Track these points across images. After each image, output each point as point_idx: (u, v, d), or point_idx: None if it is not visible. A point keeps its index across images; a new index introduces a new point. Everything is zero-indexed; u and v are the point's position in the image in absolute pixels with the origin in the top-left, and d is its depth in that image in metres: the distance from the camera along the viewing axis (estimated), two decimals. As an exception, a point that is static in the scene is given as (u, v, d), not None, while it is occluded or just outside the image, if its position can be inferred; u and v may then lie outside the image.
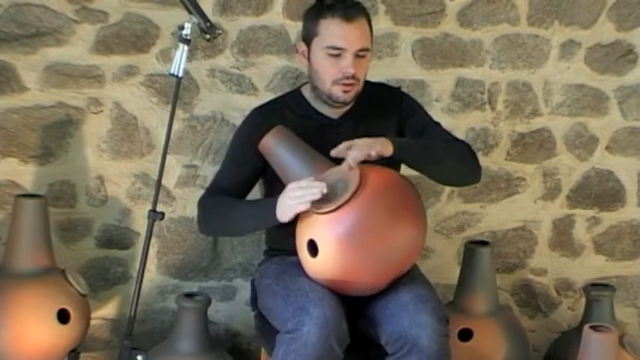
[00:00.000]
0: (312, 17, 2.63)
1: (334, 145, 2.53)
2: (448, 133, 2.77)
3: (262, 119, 2.68)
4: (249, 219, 2.62)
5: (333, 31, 2.57)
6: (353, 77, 2.59)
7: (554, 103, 3.38)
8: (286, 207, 2.45)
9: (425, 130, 2.73)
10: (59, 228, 3.15)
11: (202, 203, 2.71)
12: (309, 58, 2.65)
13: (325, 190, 2.40)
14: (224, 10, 3.13)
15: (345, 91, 2.62)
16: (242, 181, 2.71)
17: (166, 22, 3.09)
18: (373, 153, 2.46)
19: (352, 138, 2.57)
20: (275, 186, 2.63)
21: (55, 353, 2.94)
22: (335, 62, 2.59)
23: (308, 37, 2.64)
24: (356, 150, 2.46)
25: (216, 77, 3.18)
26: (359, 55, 2.59)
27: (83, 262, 3.20)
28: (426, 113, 2.81)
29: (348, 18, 2.57)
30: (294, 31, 3.15)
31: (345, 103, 2.66)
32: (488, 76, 3.33)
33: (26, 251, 2.94)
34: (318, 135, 2.63)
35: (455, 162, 2.66)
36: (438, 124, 2.79)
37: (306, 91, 2.75)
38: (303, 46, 2.66)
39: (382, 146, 2.48)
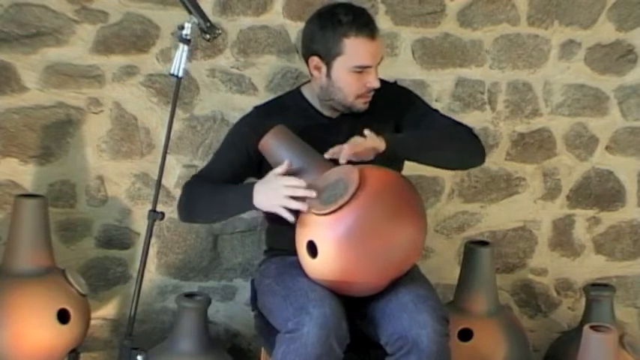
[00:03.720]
0: (330, 34, 2.57)
1: (335, 145, 2.55)
2: (448, 118, 2.77)
3: (260, 119, 2.68)
4: (225, 202, 2.62)
5: (362, 50, 2.57)
6: (374, 89, 2.63)
7: (554, 103, 3.38)
8: (270, 202, 2.46)
9: (423, 119, 2.73)
10: (59, 228, 3.15)
11: (185, 187, 2.72)
12: (328, 75, 2.62)
13: (314, 194, 2.41)
14: (224, 10, 3.13)
15: (366, 102, 2.65)
16: (230, 176, 2.70)
17: (166, 22, 3.09)
18: (369, 144, 2.46)
19: (352, 137, 2.58)
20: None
21: (55, 353, 2.94)
22: (359, 78, 2.60)
23: (327, 55, 2.59)
24: (348, 146, 2.47)
25: (216, 77, 3.18)
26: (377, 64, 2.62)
27: (83, 262, 3.20)
28: (423, 102, 2.82)
29: (372, 35, 2.58)
30: (294, 31, 3.15)
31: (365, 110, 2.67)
32: (489, 76, 3.33)
33: (26, 251, 2.94)
34: (318, 134, 2.63)
35: (455, 147, 2.67)
36: (436, 110, 2.80)
37: (306, 91, 2.75)
38: (317, 62, 2.62)
39: (375, 142, 2.49)
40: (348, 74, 2.59)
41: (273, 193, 2.46)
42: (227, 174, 2.70)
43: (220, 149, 2.78)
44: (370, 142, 2.49)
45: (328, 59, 2.60)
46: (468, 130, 2.73)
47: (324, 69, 2.62)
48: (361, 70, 2.59)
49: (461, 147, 2.68)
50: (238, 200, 2.57)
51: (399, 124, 2.73)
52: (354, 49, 2.57)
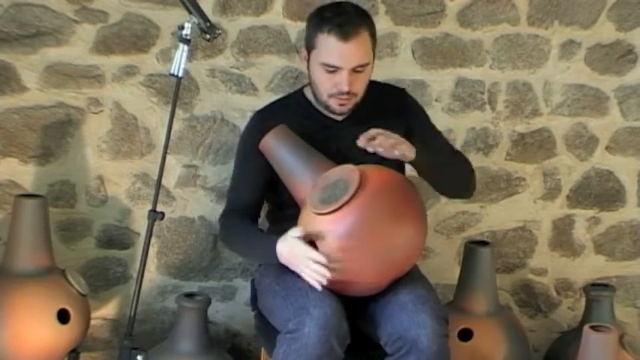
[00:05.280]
0: (312, 27, 2.61)
1: (337, 146, 2.55)
2: (450, 144, 2.85)
3: (264, 122, 2.68)
4: (255, 256, 2.71)
5: (329, 48, 2.54)
6: (348, 93, 2.59)
7: (554, 103, 3.38)
8: (296, 267, 2.46)
9: (432, 139, 2.75)
10: (59, 228, 3.15)
11: (222, 226, 2.74)
12: (308, 67, 2.64)
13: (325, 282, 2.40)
14: (224, 10, 3.13)
15: (342, 105, 2.62)
16: (258, 188, 2.72)
17: (166, 22, 3.09)
18: (397, 151, 2.47)
19: (355, 139, 2.58)
20: (278, 185, 2.64)
21: (55, 353, 2.94)
22: (330, 77, 2.57)
23: (308, 47, 2.63)
24: (384, 136, 2.48)
25: (216, 77, 3.18)
26: (357, 71, 2.57)
27: (83, 262, 3.20)
28: (431, 121, 2.85)
29: (344, 36, 2.52)
30: (294, 31, 3.15)
31: (342, 114, 2.66)
32: (489, 76, 3.32)
33: (26, 251, 2.94)
34: (321, 136, 2.63)
35: (461, 176, 2.73)
36: (440, 133, 2.85)
37: (309, 93, 2.75)
38: (304, 52, 2.66)
39: (407, 147, 2.49)
40: (320, 70, 2.59)
41: (296, 261, 2.45)
42: (255, 192, 2.71)
43: (237, 168, 2.76)
44: (404, 146, 2.49)
45: (308, 51, 2.62)
46: (470, 164, 2.78)
47: (306, 59, 2.64)
48: (331, 69, 2.56)
49: (462, 177, 2.75)
50: (265, 256, 2.58)
51: (409, 132, 2.71)
52: (324, 45, 2.55)
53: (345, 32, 2.52)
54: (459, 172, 2.75)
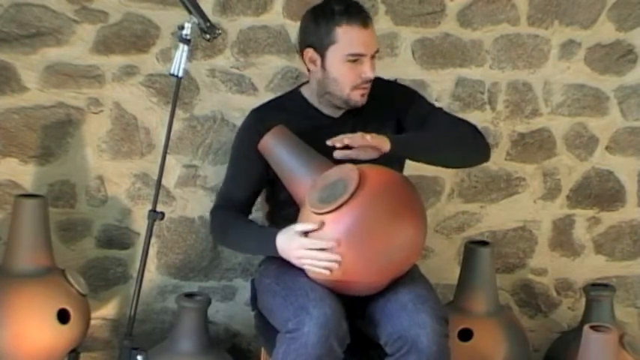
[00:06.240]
0: (323, 25, 2.59)
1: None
2: (450, 116, 2.77)
3: (261, 120, 2.68)
4: (251, 249, 2.73)
5: (354, 38, 2.57)
6: (370, 80, 2.62)
7: (554, 103, 3.38)
8: (296, 260, 2.47)
9: (427, 118, 2.72)
10: (59, 228, 3.15)
11: (214, 218, 2.74)
12: (323, 66, 2.63)
13: (337, 266, 2.40)
14: (224, 10, 3.13)
15: (363, 95, 2.64)
16: (251, 187, 2.73)
17: (166, 22, 3.09)
18: (368, 137, 2.46)
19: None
20: (277, 185, 2.64)
21: (55, 353, 2.94)
22: (353, 68, 2.59)
23: (321, 45, 2.60)
24: (354, 137, 2.47)
25: (216, 77, 3.18)
26: (373, 57, 2.61)
27: (83, 262, 3.20)
28: (425, 100, 2.81)
29: (364, 23, 2.58)
30: (294, 31, 3.14)
31: (362, 106, 2.66)
32: (489, 76, 3.33)
33: (26, 251, 2.94)
34: (319, 134, 2.62)
35: (458, 147, 2.66)
36: (439, 109, 2.80)
37: (306, 92, 2.75)
38: (311, 54, 2.63)
39: (379, 140, 2.49)
40: (342, 64, 2.59)
41: (298, 254, 2.46)
42: (248, 189, 2.72)
43: (232, 165, 2.77)
44: (374, 140, 2.49)
45: (322, 50, 2.61)
46: (471, 129, 2.71)
47: (318, 61, 2.63)
48: (355, 58, 2.58)
49: (464, 146, 2.67)
50: (262, 249, 2.62)
51: (402, 122, 2.73)
52: (346, 36, 2.57)
53: (364, 19, 2.59)
54: (457, 143, 2.66)
